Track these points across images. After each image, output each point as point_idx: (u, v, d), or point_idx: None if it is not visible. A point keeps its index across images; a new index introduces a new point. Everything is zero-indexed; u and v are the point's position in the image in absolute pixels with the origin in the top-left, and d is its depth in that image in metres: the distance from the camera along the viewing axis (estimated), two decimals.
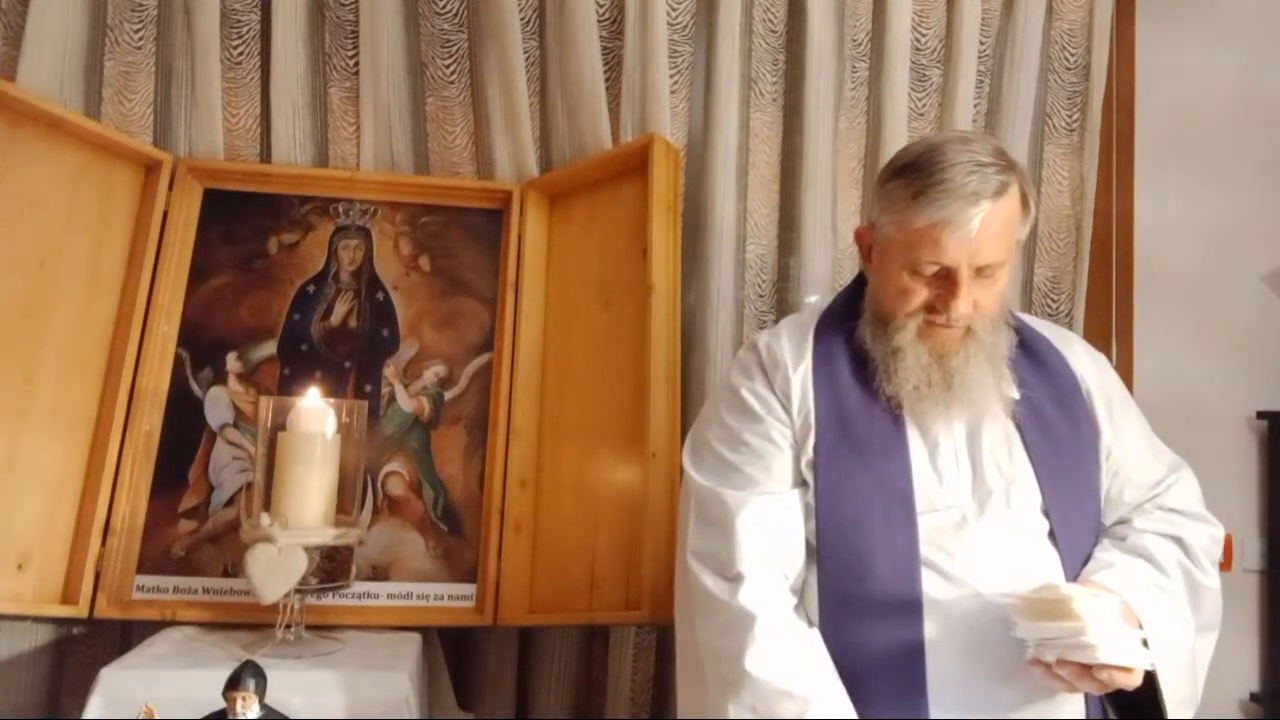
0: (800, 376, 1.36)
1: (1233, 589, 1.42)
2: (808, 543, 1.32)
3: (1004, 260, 1.28)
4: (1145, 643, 1.21)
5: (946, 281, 1.28)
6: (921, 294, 1.29)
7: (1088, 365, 1.44)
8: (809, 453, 1.32)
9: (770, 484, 1.33)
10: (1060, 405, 1.37)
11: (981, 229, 1.23)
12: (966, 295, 1.27)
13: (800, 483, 1.34)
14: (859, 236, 1.41)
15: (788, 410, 1.35)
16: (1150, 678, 1.22)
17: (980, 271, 1.27)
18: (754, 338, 1.46)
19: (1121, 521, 1.38)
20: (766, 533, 1.30)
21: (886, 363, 1.32)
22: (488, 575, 1.78)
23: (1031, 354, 1.40)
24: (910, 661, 1.23)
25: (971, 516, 1.29)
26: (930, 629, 1.24)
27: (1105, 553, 1.33)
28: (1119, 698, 1.29)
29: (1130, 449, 1.40)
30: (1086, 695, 1.28)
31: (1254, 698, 2.15)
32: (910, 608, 1.24)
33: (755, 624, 1.23)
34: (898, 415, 1.33)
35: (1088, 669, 1.16)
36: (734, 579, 1.27)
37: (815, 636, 1.26)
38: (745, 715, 1.20)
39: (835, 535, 1.28)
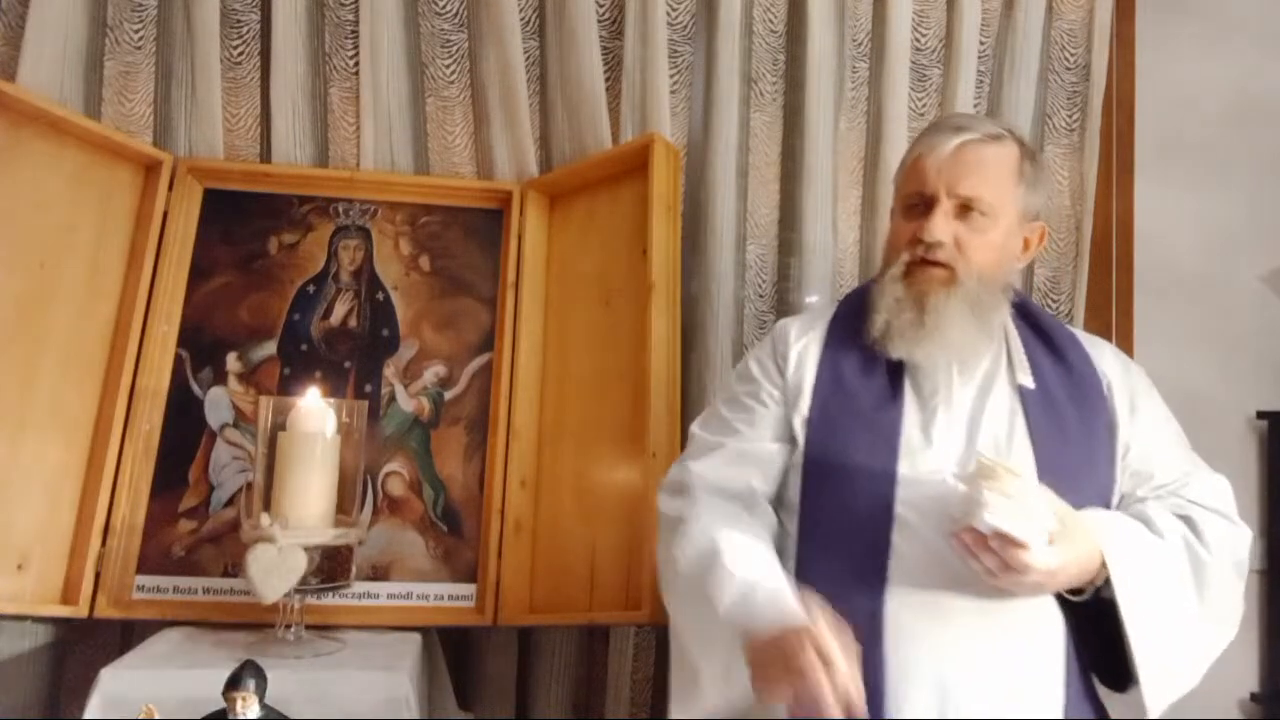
0: (801, 345, 1.41)
1: None
2: (790, 500, 1.34)
3: (990, 203, 1.30)
4: (1107, 572, 1.20)
5: (927, 211, 1.31)
6: (907, 231, 1.33)
7: (1113, 365, 1.42)
8: (803, 410, 1.35)
9: (751, 435, 1.38)
10: (1075, 399, 1.35)
11: (960, 154, 1.28)
12: (943, 221, 1.29)
13: (788, 438, 1.36)
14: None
15: (783, 373, 1.40)
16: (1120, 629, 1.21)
17: (963, 209, 1.29)
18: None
19: (1137, 501, 1.35)
20: (726, 468, 1.35)
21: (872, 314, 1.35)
22: (488, 575, 1.78)
23: (1051, 347, 1.40)
24: (871, 604, 1.22)
25: (953, 485, 1.25)
26: (894, 575, 1.23)
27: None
28: (1101, 665, 1.28)
29: (1152, 448, 1.37)
30: (1068, 660, 1.25)
31: (1254, 698, 2.15)
32: (877, 550, 1.25)
33: (700, 500, 1.32)
34: (897, 386, 1.34)
35: (985, 540, 1.13)
36: (683, 492, 1.36)
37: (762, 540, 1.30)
38: (683, 554, 1.26)
39: (818, 480, 1.31)
